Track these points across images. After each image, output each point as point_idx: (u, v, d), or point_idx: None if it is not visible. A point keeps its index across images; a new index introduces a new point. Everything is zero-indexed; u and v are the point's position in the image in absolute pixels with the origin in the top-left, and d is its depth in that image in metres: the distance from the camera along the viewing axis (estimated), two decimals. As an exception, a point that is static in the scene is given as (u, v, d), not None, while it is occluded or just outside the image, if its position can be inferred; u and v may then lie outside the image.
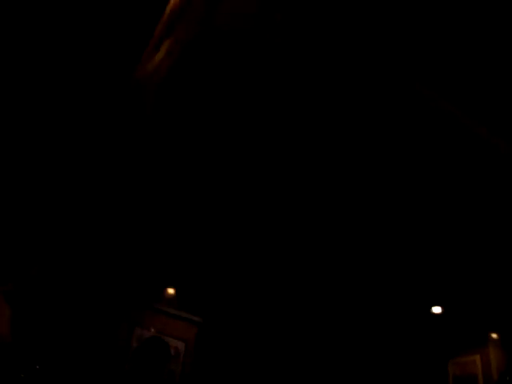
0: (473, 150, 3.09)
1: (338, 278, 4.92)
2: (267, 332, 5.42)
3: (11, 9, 2.58)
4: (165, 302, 5.21)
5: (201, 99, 3.02)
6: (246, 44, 2.58)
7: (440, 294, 4.96)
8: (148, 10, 2.47)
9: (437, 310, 5.27)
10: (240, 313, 5.39)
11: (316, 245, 4.46)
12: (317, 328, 5.59)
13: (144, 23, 2.53)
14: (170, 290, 5.27)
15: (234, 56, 2.66)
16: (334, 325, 5.60)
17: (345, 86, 2.85)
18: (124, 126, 3.13)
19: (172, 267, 5.11)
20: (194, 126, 3.25)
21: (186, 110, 3.13)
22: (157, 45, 2.51)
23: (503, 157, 3.09)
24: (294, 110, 3.07)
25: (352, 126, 3.12)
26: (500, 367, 4.97)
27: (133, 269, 5.06)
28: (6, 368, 2.78)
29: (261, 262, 4.86)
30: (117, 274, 4.98)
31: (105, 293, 4.87)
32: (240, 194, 3.94)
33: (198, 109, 3.12)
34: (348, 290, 5.11)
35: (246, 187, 3.84)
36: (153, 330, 4.97)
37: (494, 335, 5.23)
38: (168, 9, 2.40)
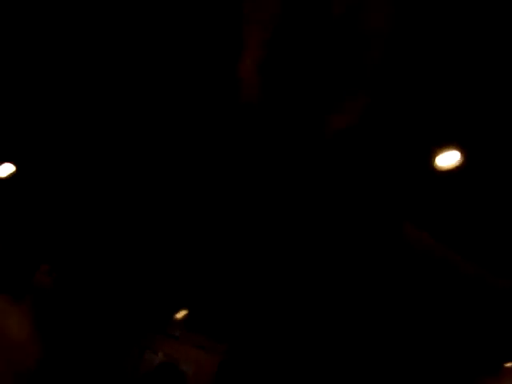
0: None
1: (358, 301, 4.91)
2: (284, 355, 5.34)
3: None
4: (176, 326, 5.23)
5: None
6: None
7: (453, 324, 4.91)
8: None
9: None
10: (257, 336, 5.35)
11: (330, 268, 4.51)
12: (341, 352, 5.49)
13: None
14: (182, 314, 5.31)
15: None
16: (357, 349, 5.51)
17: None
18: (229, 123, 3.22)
19: (184, 291, 5.18)
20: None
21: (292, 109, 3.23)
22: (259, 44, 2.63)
23: None
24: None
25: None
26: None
27: (145, 294, 5.13)
28: None
29: (274, 287, 4.91)
30: (129, 298, 5.05)
31: (118, 315, 4.93)
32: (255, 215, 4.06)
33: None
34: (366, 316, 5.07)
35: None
36: (161, 354, 4.96)
37: (509, 364, 5.12)
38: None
